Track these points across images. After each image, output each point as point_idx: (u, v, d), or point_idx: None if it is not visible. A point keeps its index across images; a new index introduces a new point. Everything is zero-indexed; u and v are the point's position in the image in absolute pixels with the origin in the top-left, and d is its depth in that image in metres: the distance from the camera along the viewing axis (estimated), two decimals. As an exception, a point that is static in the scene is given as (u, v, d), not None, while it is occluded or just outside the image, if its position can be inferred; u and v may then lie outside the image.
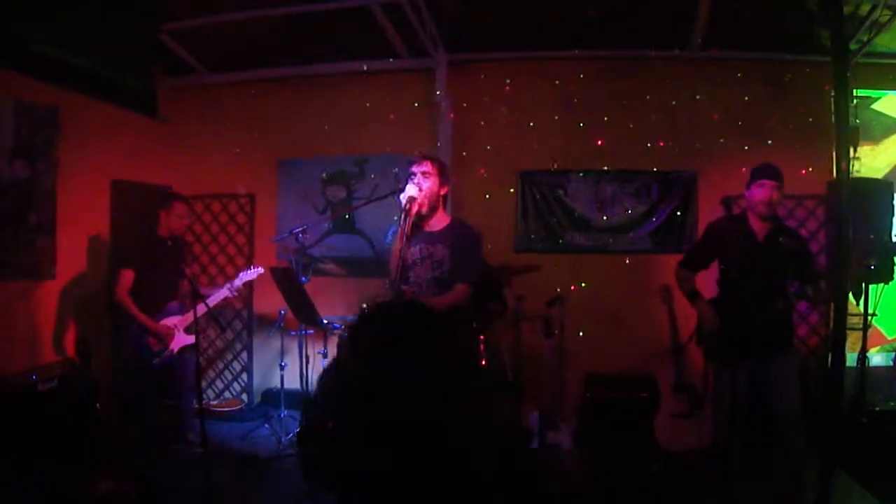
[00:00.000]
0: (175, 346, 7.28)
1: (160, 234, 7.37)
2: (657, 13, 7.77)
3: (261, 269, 7.57)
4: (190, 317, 7.06)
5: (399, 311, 3.15)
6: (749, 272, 5.86)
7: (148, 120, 8.92)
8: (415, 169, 5.64)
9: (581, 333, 8.26)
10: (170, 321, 7.27)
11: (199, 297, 6.85)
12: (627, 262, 8.78)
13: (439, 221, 5.74)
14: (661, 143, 8.66)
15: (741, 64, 8.49)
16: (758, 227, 5.94)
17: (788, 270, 5.82)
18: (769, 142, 8.25)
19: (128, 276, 7.38)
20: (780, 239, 5.85)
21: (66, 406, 7.33)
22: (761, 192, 5.82)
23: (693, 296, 6.17)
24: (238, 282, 7.50)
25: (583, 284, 8.62)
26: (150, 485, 6.71)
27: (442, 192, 5.70)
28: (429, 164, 5.66)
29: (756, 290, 5.75)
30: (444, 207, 5.84)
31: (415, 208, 5.50)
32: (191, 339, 7.24)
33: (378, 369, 2.80)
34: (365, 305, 3.32)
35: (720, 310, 6.02)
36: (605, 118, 8.79)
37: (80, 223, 8.38)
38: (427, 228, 5.72)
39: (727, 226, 6.28)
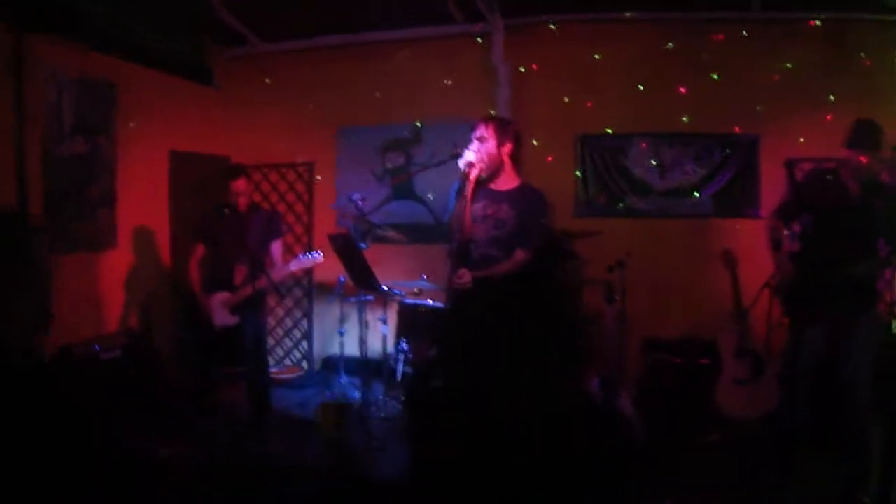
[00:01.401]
0: (218, 323, 7.26)
1: (236, 202, 7.25)
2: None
3: (319, 256, 7.36)
4: (239, 295, 7.14)
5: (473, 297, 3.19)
6: (835, 229, 5.67)
7: (204, 91, 8.96)
8: (473, 134, 5.62)
9: (642, 298, 8.18)
10: (217, 298, 7.25)
11: (253, 276, 6.97)
12: (688, 226, 8.67)
13: (507, 181, 5.69)
14: (722, 107, 8.50)
15: (802, 24, 8.29)
16: (851, 183, 5.72)
17: (879, 232, 5.58)
18: (832, 101, 8.07)
19: (197, 249, 7.46)
20: (874, 199, 5.65)
21: (128, 374, 7.44)
22: (855, 160, 5.66)
23: (776, 245, 5.98)
24: (294, 266, 7.37)
25: (643, 249, 8.53)
26: (210, 450, 6.79)
27: (504, 151, 5.62)
28: (483, 126, 5.62)
29: (840, 249, 5.60)
30: (515, 166, 5.74)
31: (473, 173, 5.49)
32: (232, 319, 7.22)
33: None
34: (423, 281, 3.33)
35: (802, 264, 5.79)
36: (666, 81, 8.65)
37: (140, 195, 8.50)
38: (494, 187, 5.68)
39: (819, 179, 6.06)
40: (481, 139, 5.57)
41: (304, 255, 7.36)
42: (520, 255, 5.49)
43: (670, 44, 8.63)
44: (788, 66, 8.32)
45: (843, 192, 5.74)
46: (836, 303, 5.57)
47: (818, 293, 5.64)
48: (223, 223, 7.25)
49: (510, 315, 5.43)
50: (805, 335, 5.79)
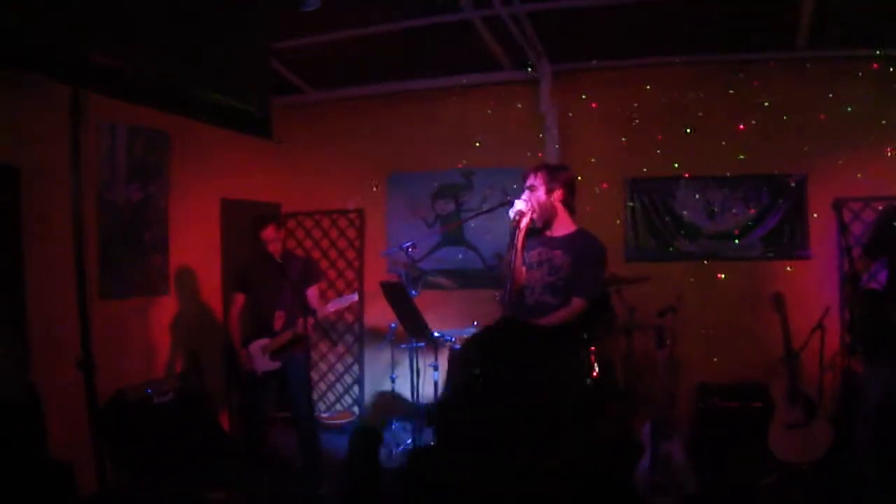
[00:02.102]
0: (259, 368, 7.35)
1: (268, 251, 7.36)
2: (760, 14, 7.65)
3: (355, 297, 7.56)
4: (278, 340, 7.24)
5: (498, 332, 3.22)
6: None
7: (255, 138, 9.09)
8: (524, 183, 5.69)
9: (693, 342, 8.16)
10: (256, 345, 7.34)
11: (292, 321, 7.16)
12: (738, 268, 8.62)
13: (561, 228, 5.74)
14: (770, 147, 8.48)
15: (847, 62, 8.26)
16: None
17: None
18: (880, 140, 8.03)
19: (237, 298, 7.60)
20: None
21: (180, 418, 7.53)
22: None
23: (855, 280, 5.92)
24: (331, 308, 7.52)
25: (693, 293, 8.50)
26: (261, 496, 6.86)
27: (555, 198, 5.67)
28: (532, 175, 5.70)
29: None
30: (569, 212, 5.79)
31: (524, 221, 5.56)
32: (274, 364, 7.33)
33: (479, 384, 2.87)
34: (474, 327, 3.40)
35: (881, 304, 5.76)
36: (712, 123, 8.65)
37: (192, 241, 8.63)
38: (549, 234, 5.73)
39: (890, 215, 6.08)
40: (531, 188, 5.64)
41: (339, 298, 7.60)
42: (577, 303, 5.50)
43: (716, 85, 8.65)
44: (834, 103, 8.29)
45: None
46: None
47: (890, 335, 5.61)
48: (261, 271, 7.41)
49: (564, 363, 5.46)
50: (874, 377, 5.77)
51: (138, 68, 4.95)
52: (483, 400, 2.83)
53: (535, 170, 5.76)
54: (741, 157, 8.57)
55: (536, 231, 5.73)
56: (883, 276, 5.94)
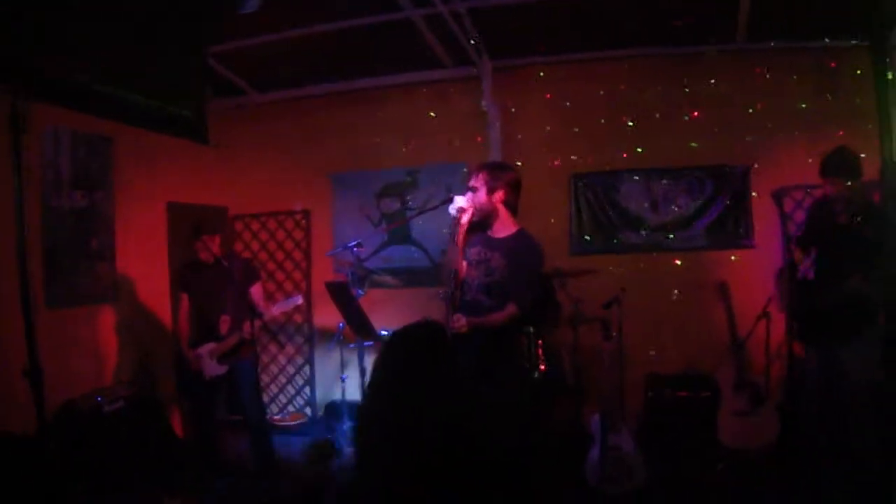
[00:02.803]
0: (207, 373, 7.32)
1: (201, 259, 7.38)
2: (699, 8, 7.71)
3: (299, 300, 7.62)
4: (225, 344, 7.22)
5: (416, 333, 3.23)
6: (827, 254, 6.01)
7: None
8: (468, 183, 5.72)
9: (639, 334, 8.20)
10: (204, 349, 7.31)
11: (238, 325, 7.17)
12: (682, 259, 8.68)
13: (502, 229, 5.72)
14: (713, 138, 8.55)
15: (786, 54, 8.35)
16: (839, 209, 5.94)
17: (868, 254, 5.64)
18: (819, 130, 8.10)
19: (184, 298, 7.57)
20: (856, 224, 5.81)
21: (132, 426, 7.45)
22: (831, 190, 5.90)
23: (780, 273, 6.53)
24: (276, 310, 7.58)
25: (639, 284, 8.55)
26: (215, 501, 6.83)
27: (496, 199, 5.65)
28: (473, 176, 5.71)
29: (833, 272, 5.84)
30: (510, 213, 5.77)
31: (464, 218, 5.58)
32: (221, 369, 7.31)
33: (397, 386, 2.88)
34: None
35: (807, 290, 6.10)
36: (655, 116, 8.72)
37: (139, 246, 8.54)
38: (490, 233, 5.73)
39: (816, 208, 6.40)
40: (472, 188, 5.63)
41: (284, 300, 7.68)
42: (511, 309, 5.49)
43: (658, 79, 8.71)
44: (775, 95, 8.38)
45: (829, 219, 6.01)
46: (829, 326, 5.86)
47: (816, 317, 5.96)
48: (203, 275, 7.39)
49: (503, 358, 5.49)
50: (809, 358, 6.12)
51: (71, 73, 4.91)
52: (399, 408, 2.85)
53: (477, 170, 5.76)
54: (692, 145, 8.62)
55: (480, 229, 5.73)
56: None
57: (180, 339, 7.60)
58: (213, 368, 7.27)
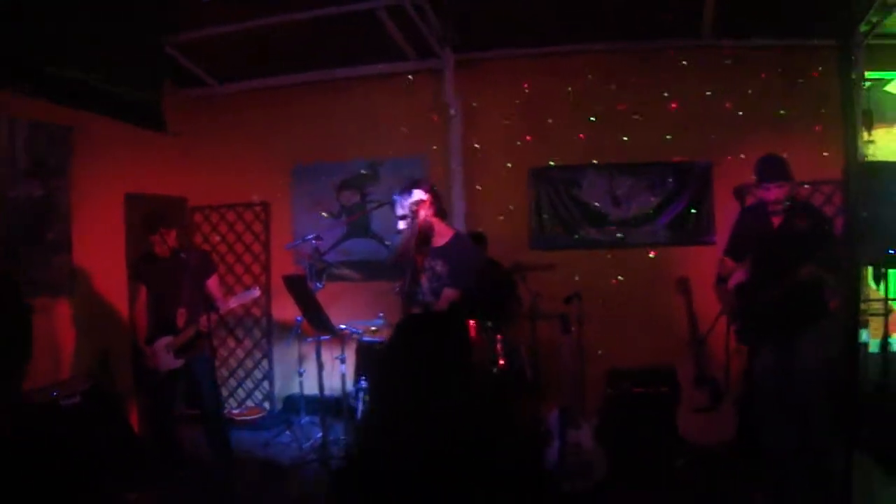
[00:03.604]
0: (162, 367, 7.22)
1: (156, 252, 7.28)
2: (665, 4, 7.71)
3: (256, 293, 7.55)
4: (182, 338, 7.14)
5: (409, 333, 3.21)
6: (766, 258, 6.06)
7: (161, 133, 8.90)
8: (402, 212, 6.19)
9: (599, 329, 8.19)
10: (160, 342, 7.21)
11: (195, 317, 7.09)
12: (644, 255, 8.70)
13: (440, 237, 6.16)
14: (675, 135, 8.58)
15: (752, 52, 8.38)
16: (777, 211, 6.06)
17: (808, 254, 5.77)
18: (784, 128, 8.14)
19: (141, 290, 7.45)
20: (795, 222, 5.95)
21: (89, 420, 7.34)
22: (767, 195, 6.04)
23: (718, 281, 6.51)
24: (232, 303, 7.56)
25: (600, 280, 8.55)
26: (173, 495, 6.74)
27: (427, 216, 6.07)
28: (399, 207, 6.20)
29: (772, 275, 5.91)
30: (442, 219, 6.28)
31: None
32: (177, 362, 7.20)
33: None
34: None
35: (746, 295, 6.19)
36: (618, 112, 8.72)
37: (96, 238, 8.39)
38: (433, 244, 6.13)
39: (748, 216, 6.55)
40: (403, 217, 6.13)
41: (241, 293, 7.63)
42: (447, 293, 5.96)
43: (622, 75, 8.70)
44: (740, 92, 8.39)
45: (765, 225, 6.17)
46: (772, 328, 6.02)
47: (758, 321, 6.10)
48: (157, 268, 7.29)
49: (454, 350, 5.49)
50: (756, 360, 6.25)
51: (28, 60, 4.85)
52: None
53: (402, 202, 6.13)
54: (655, 141, 8.64)
55: (426, 239, 6.14)
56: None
57: (137, 332, 7.48)
58: (169, 362, 7.17)
